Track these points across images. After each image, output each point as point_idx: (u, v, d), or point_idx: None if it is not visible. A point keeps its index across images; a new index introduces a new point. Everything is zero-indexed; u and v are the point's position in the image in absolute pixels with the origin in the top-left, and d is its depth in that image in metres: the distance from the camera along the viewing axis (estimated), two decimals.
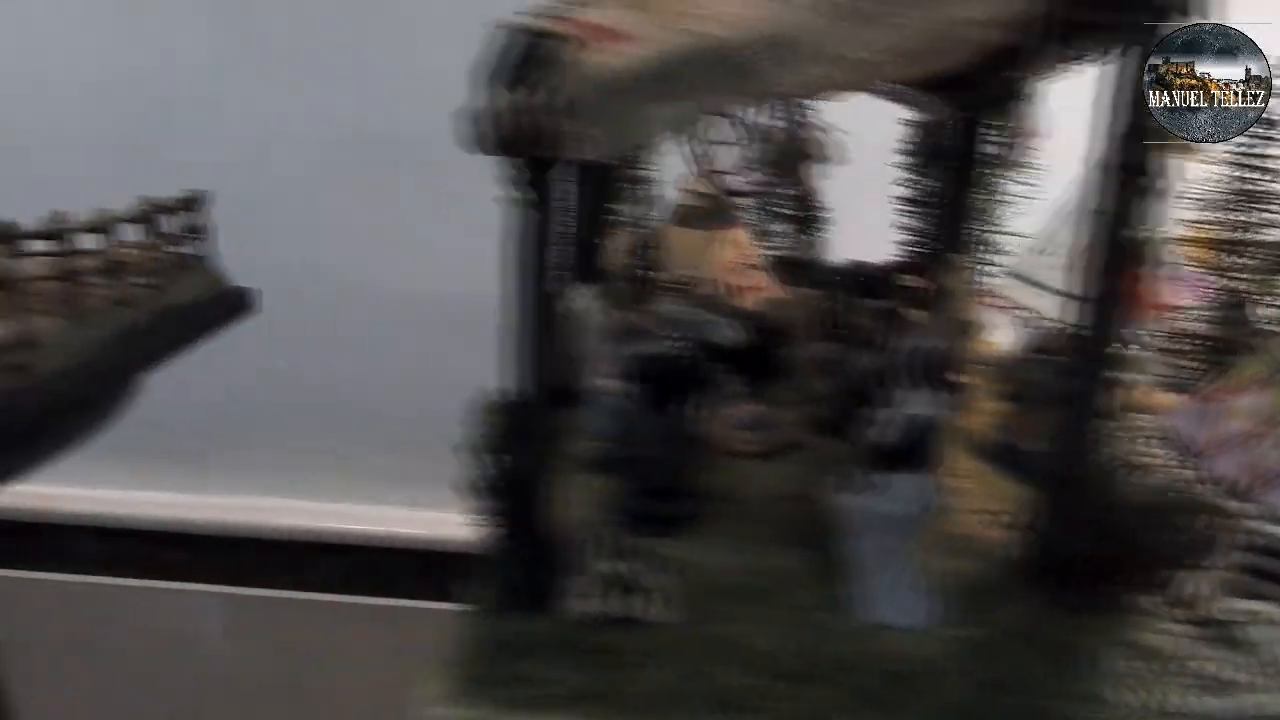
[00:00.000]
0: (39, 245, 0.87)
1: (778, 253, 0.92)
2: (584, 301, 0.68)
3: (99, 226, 0.94)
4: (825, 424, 0.69)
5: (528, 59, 0.43)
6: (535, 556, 0.49)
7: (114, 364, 0.91)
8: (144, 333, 0.96)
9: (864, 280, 0.73)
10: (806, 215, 0.93)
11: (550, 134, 0.43)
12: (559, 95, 0.43)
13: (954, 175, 0.75)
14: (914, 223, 0.94)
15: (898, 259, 0.92)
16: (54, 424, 0.83)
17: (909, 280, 0.71)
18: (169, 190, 1.02)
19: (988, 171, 0.75)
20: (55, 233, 0.87)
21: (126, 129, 1.47)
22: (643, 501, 0.51)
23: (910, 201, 0.95)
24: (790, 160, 0.72)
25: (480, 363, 1.54)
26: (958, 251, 0.76)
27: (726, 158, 0.85)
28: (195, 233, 1.09)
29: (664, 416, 0.51)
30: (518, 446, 0.48)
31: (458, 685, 0.47)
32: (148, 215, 1.01)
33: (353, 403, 1.61)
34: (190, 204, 1.08)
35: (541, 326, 0.48)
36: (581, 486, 0.51)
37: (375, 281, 1.53)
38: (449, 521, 1.65)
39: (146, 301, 0.98)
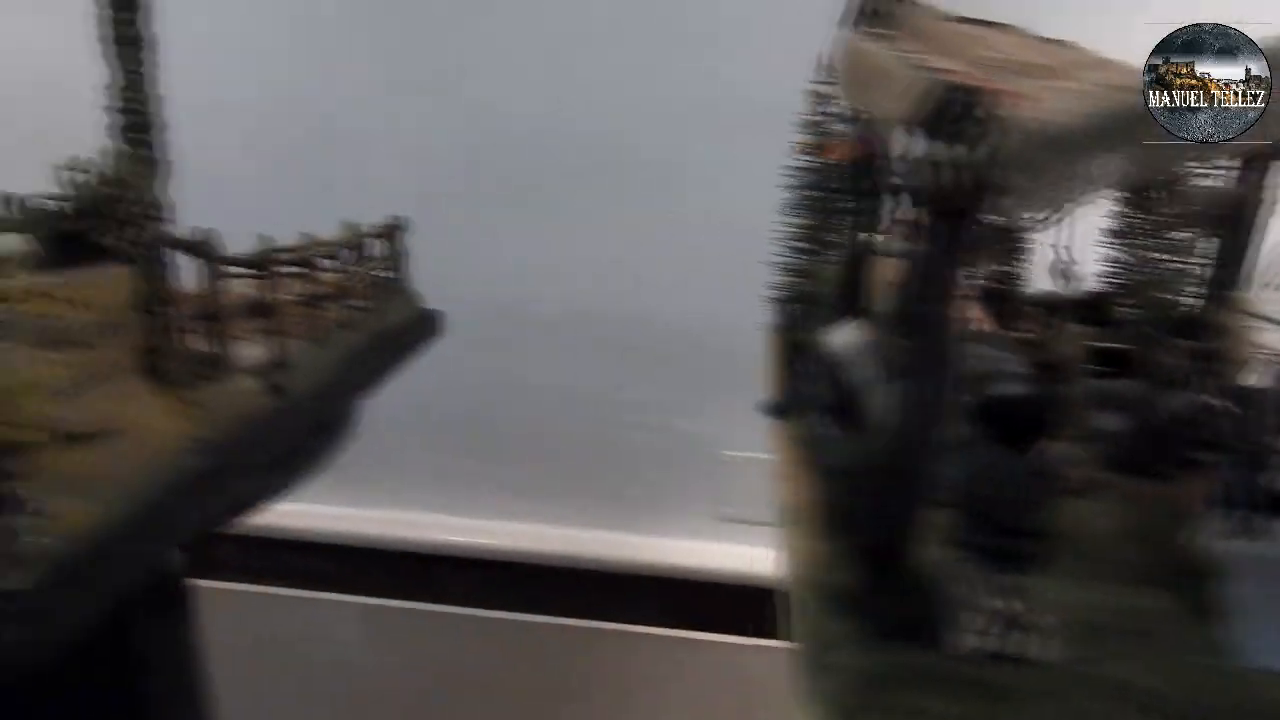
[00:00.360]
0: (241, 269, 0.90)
1: (988, 284, 0.92)
2: (849, 337, 0.69)
3: (329, 253, 0.97)
4: (1123, 462, 0.69)
5: (956, 113, 0.44)
6: (908, 591, 0.50)
7: (347, 386, 0.93)
8: (365, 355, 0.98)
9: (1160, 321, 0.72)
10: (1014, 245, 0.92)
11: (982, 188, 0.44)
12: (992, 150, 0.44)
13: (1227, 216, 0.74)
14: (1123, 256, 0.94)
15: (1104, 291, 0.91)
16: (306, 445, 0.86)
17: (1213, 318, 0.71)
18: (330, 213, 1.01)
19: (1262, 213, 0.75)
20: (302, 259, 0.90)
21: (289, 152, 1.51)
22: (994, 539, 0.52)
23: (1118, 235, 0.94)
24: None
25: (618, 381, 1.58)
26: (1232, 290, 0.76)
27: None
28: (395, 258, 1.12)
29: (1015, 454, 0.52)
30: (894, 484, 0.49)
31: (838, 715, 0.48)
32: (359, 241, 1.04)
33: (495, 420, 1.64)
34: (392, 230, 1.11)
35: (934, 371, 0.49)
36: (937, 523, 0.52)
37: (522, 299, 1.56)
38: (584, 539, 1.67)
39: (364, 325, 1.01)
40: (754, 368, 1.56)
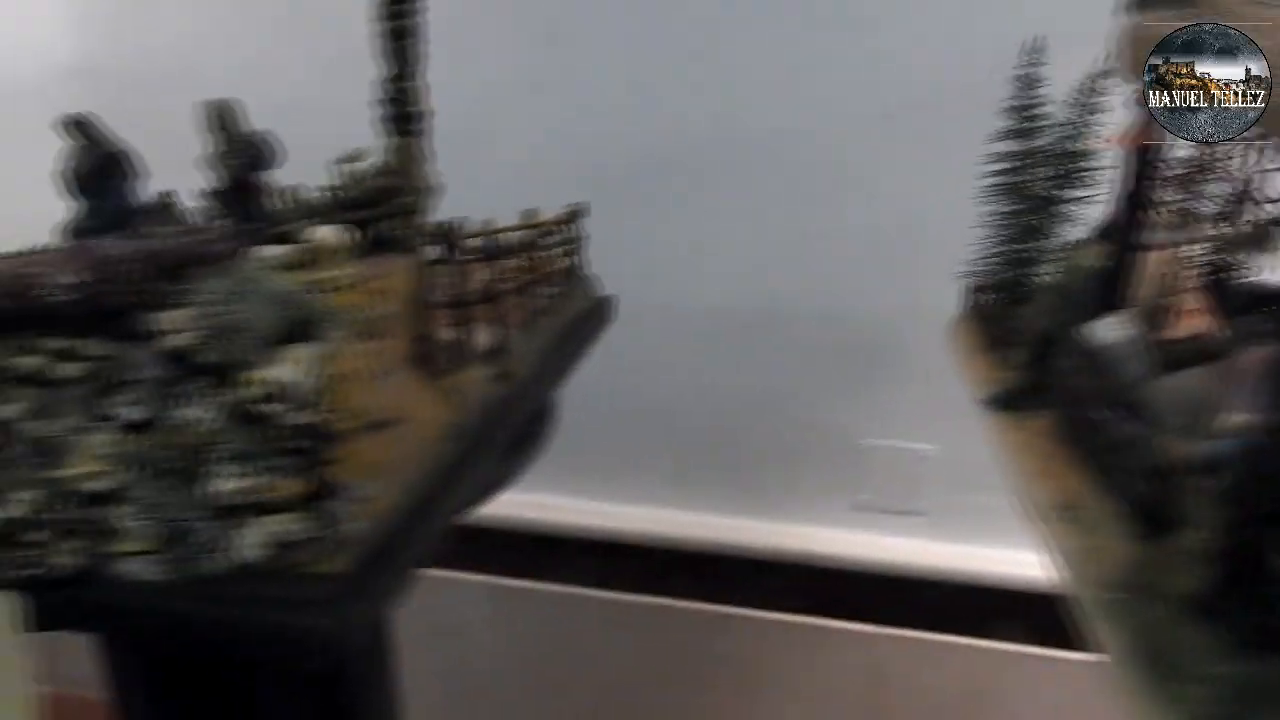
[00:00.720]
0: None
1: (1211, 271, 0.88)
2: (1116, 331, 0.68)
3: (531, 240, 0.97)
4: None
5: None
6: (1275, 598, 0.49)
7: (554, 372, 0.94)
8: (561, 342, 0.99)
9: None
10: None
11: None
12: None
13: None
14: None
15: None
16: (529, 431, 0.86)
17: None
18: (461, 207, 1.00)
19: None
20: (521, 247, 0.90)
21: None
22: None
23: None
24: None
25: (758, 367, 1.57)
26: None
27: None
28: (575, 244, 1.12)
29: None
30: (1263, 486, 0.48)
31: None
32: (553, 228, 1.05)
33: (633, 405, 1.64)
34: (572, 216, 1.11)
35: None
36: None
37: (665, 288, 1.55)
38: (719, 524, 1.67)
39: (558, 311, 1.01)
40: (894, 356, 1.55)
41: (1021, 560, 1.58)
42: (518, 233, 0.90)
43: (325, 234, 0.55)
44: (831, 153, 1.45)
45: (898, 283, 1.50)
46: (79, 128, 0.62)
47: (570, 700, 1.82)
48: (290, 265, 0.54)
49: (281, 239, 0.56)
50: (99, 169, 0.63)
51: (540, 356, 0.92)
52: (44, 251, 0.61)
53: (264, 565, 0.54)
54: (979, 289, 1.01)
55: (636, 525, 1.69)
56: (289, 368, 0.52)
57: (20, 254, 0.62)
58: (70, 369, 0.59)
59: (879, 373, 1.58)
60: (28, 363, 0.59)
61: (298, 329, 0.53)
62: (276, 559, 0.54)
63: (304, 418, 0.53)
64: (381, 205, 0.64)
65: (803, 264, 1.51)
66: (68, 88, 1.63)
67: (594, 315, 1.11)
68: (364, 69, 0.66)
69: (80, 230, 0.64)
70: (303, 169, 0.70)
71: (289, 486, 0.54)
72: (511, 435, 0.83)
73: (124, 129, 0.80)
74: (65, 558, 0.56)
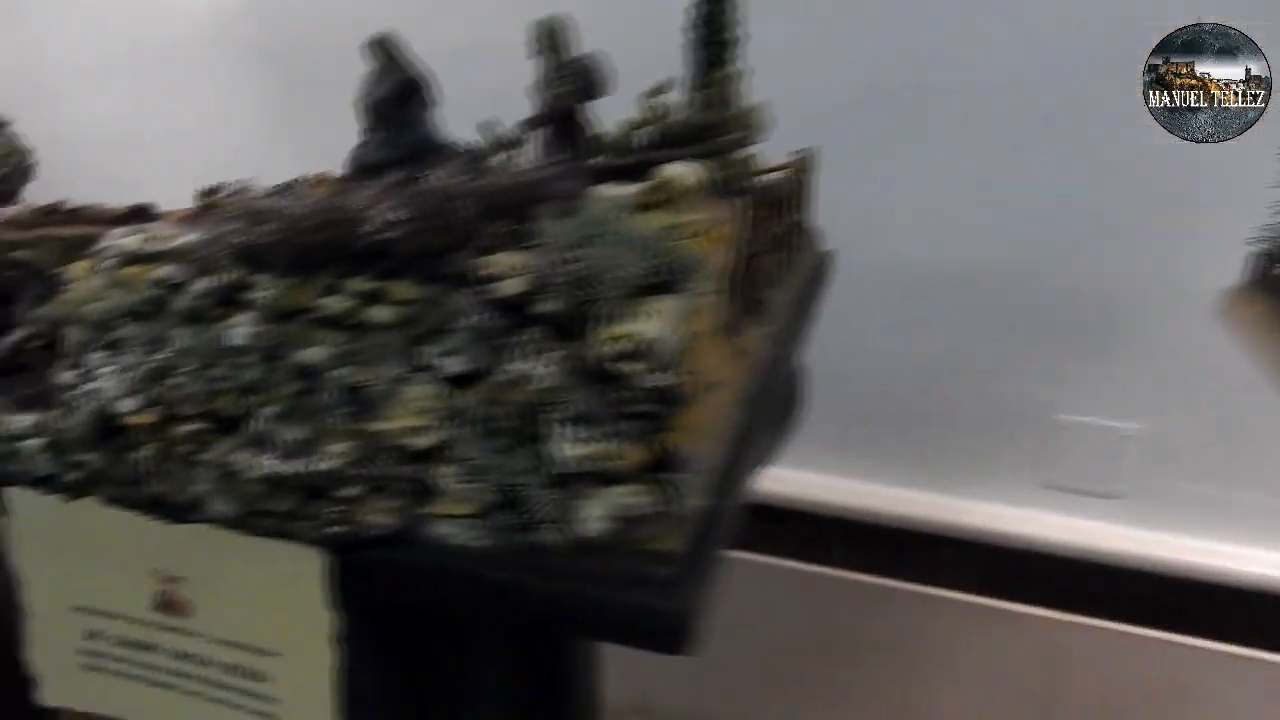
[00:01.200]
0: None
1: None
2: None
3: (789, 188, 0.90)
4: None
5: None
6: None
7: (801, 330, 0.87)
8: (802, 298, 0.92)
9: None
10: None
11: None
12: None
13: None
14: None
15: None
16: (789, 396, 0.80)
17: None
18: None
19: None
20: (781, 194, 0.83)
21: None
22: None
23: None
24: None
25: (951, 334, 1.47)
26: None
27: None
28: (804, 195, 1.04)
29: None
30: None
31: None
32: (797, 176, 0.97)
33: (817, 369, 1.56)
34: (803, 165, 1.03)
35: None
36: None
37: (850, 249, 1.46)
38: (897, 496, 1.59)
39: (796, 267, 0.94)
40: (1102, 325, 1.43)
41: (1226, 553, 1.47)
42: (778, 178, 0.82)
43: (680, 172, 0.48)
44: (1058, 100, 1.33)
45: (1116, 246, 1.37)
46: (380, 48, 0.56)
47: (726, 664, 1.78)
48: (646, 206, 0.48)
49: (624, 174, 0.49)
50: (397, 95, 0.57)
51: (791, 314, 0.85)
52: (355, 185, 0.56)
53: (603, 540, 0.49)
54: (1277, 259, 0.90)
55: (809, 493, 1.62)
56: (653, 322, 0.46)
57: (322, 183, 0.58)
58: (380, 313, 0.54)
59: (1082, 344, 1.47)
60: (333, 304, 0.55)
61: (659, 279, 0.47)
62: (619, 534, 0.49)
63: (662, 379, 0.47)
64: (703, 142, 0.57)
65: (1010, 221, 1.40)
66: (237, 25, 1.62)
67: (822, 270, 1.03)
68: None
69: (371, 162, 0.59)
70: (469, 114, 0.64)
71: (635, 454, 0.48)
72: (779, 401, 0.76)
73: (292, 67, 0.72)
74: (378, 516, 0.52)
